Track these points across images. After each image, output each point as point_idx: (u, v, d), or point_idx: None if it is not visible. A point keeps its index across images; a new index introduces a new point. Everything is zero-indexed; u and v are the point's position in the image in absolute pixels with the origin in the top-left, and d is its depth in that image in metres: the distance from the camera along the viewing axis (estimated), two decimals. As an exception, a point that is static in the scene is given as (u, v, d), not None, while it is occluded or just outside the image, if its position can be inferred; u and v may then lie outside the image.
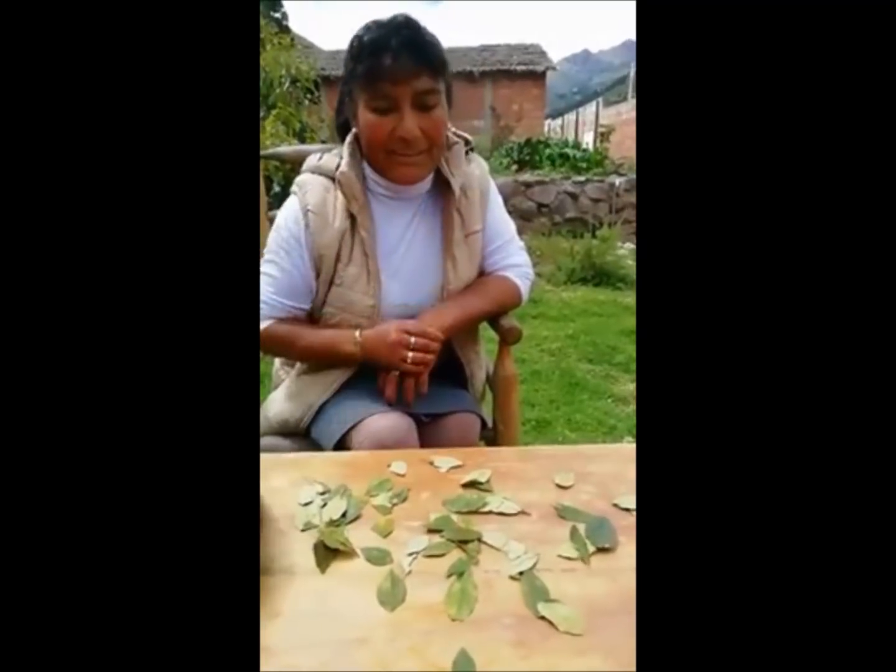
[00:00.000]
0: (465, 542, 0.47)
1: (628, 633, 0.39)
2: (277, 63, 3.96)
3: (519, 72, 10.81)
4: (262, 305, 0.78)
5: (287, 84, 3.99)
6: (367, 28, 0.71)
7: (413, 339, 0.73)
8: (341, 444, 0.73)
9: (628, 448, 0.67)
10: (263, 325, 0.78)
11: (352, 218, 0.76)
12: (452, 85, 0.75)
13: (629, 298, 3.25)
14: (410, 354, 0.73)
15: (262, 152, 1.09)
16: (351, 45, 0.72)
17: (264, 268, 0.78)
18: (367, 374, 0.79)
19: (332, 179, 0.77)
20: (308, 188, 0.77)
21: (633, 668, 0.36)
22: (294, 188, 0.80)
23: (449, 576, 0.44)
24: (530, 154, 6.14)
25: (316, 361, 0.81)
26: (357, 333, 0.75)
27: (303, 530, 0.49)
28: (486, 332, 0.92)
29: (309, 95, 4.36)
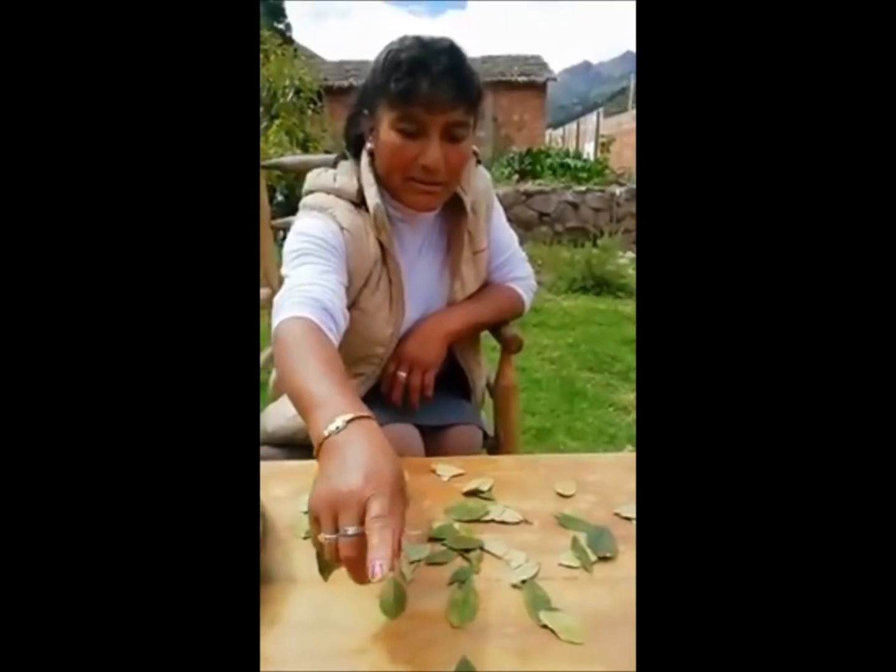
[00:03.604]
0: (467, 550, 0.47)
1: (629, 643, 0.39)
2: (281, 74, 4.01)
3: (520, 83, 10.91)
4: (319, 288, 0.63)
5: (290, 94, 4.03)
6: (407, 45, 0.66)
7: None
8: None
9: (629, 457, 0.67)
10: (306, 313, 0.59)
11: (381, 246, 0.74)
12: (481, 116, 0.72)
13: (629, 307, 3.25)
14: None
15: (266, 162, 1.10)
16: (384, 58, 0.67)
17: (306, 260, 0.67)
18: (373, 389, 0.78)
19: (354, 204, 0.74)
20: (335, 209, 0.73)
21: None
22: (312, 209, 0.74)
23: (450, 584, 0.44)
24: (531, 164, 6.18)
25: (292, 398, 0.51)
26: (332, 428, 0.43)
27: (304, 538, 0.49)
28: (487, 340, 0.92)
29: (312, 106, 4.40)
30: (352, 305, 0.74)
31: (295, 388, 0.50)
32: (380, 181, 0.74)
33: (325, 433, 0.43)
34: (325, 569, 0.45)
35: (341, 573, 0.45)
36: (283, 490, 0.57)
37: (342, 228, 0.71)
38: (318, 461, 0.43)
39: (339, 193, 0.74)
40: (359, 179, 0.74)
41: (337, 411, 0.44)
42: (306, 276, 0.65)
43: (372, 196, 0.72)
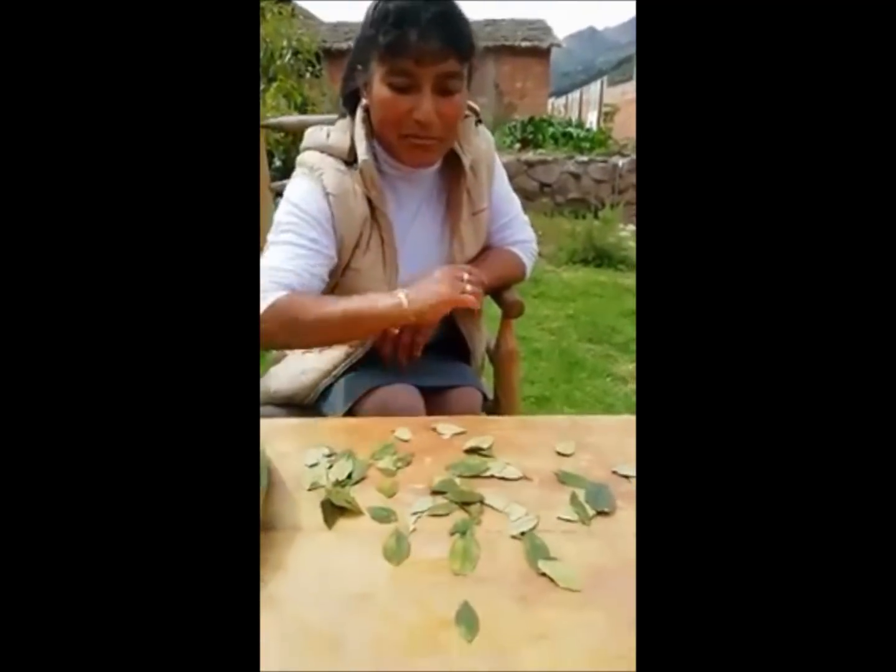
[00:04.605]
0: (468, 503, 0.48)
1: (625, 591, 0.40)
2: (278, 34, 3.88)
3: (523, 48, 10.62)
4: (290, 275, 0.68)
5: (288, 56, 3.92)
6: None
7: (467, 276, 0.70)
8: (348, 416, 0.74)
9: (627, 420, 0.68)
10: (284, 294, 0.67)
11: (370, 204, 0.73)
12: (475, 67, 0.71)
13: (629, 280, 3.25)
14: (469, 287, 0.68)
15: (265, 122, 1.08)
16: (373, 10, 0.66)
17: (286, 238, 0.71)
18: (371, 352, 0.79)
19: (345, 162, 0.73)
20: (324, 170, 0.72)
21: (631, 624, 0.37)
22: (304, 168, 0.74)
23: (452, 534, 0.45)
24: (533, 133, 6.07)
25: (349, 327, 0.68)
26: (403, 297, 0.66)
27: (309, 490, 0.50)
28: (489, 308, 0.92)
29: (310, 68, 4.29)
30: (346, 267, 0.75)
31: (335, 322, 0.66)
32: (375, 138, 0.73)
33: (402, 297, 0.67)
34: (330, 518, 0.46)
35: (344, 522, 0.47)
36: (288, 446, 0.57)
37: (327, 194, 0.71)
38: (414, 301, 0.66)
39: (331, 151, 0.74)
40: (352, 136, 0.73)
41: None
42: (279, 259, 0.69)
43: (362, 152, 0.71)
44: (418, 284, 0.69)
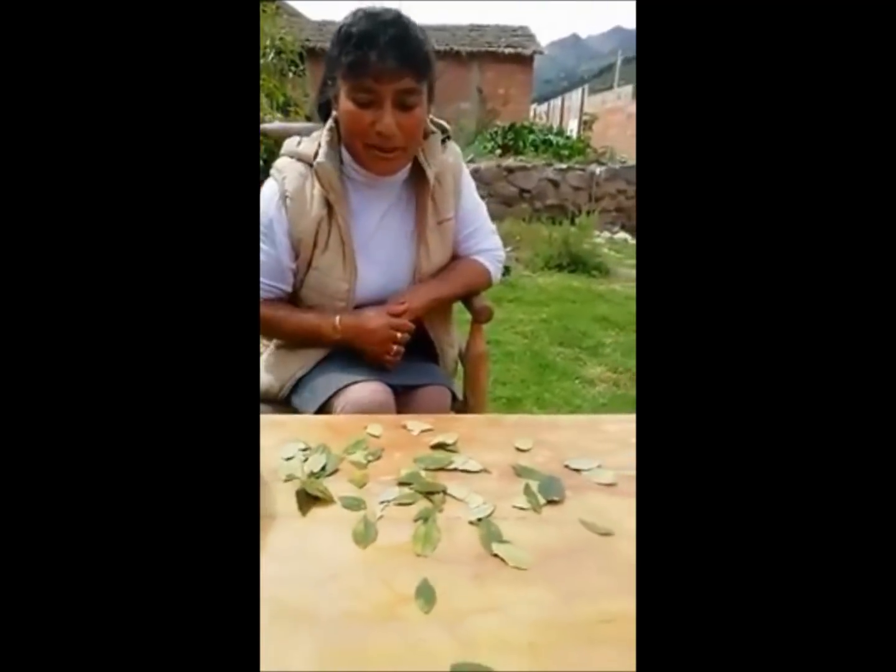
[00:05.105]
0: (432, 493, 0.53)
1: (570, 570, 0.45)
2: (261, 32, 3.86)
3: (507, 55, 10.71)
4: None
5: (271, 55, 3.90)
6: (357, 17, 0.72)
7: (400, 335, 0.80)
8: (322, 412, 0.78)
9: (584, 419, 0.73)
10: None
11: (329, 205, 0.79)
12: (436, 81, 0.77)
13: (602, 286, 3.34)
14: (395, 348, 0.80)
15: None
16: (338, 32, 0.73)
17: None
18: (344, 346, 0.83)
19: (310, 166, 0.80)
20: (286, 174, 0.80)
21: (570, 598, 0.42)
22: (273, 171, 0.82)
23: (416, 520, 0.50)
24: (514, 139, 6.15)
25: (296, 342, 0.85)
26: (337, 320, 0.80)
27: (285, 481, 0.54)
28: (463, 314, 0.97)
29: (293, 68, 4.27)
30: (308, 266, 0.82)
31: (285, 333, 0.85)
32: (344, 146, 0.80)
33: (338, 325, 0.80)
34: (304, 506, 0.50)
35: (317, 510, 0.51)
36: (266, 441, 0.61)
37: (286, 197, 0.79)
38: (348, 336, 0.81)
39: (299, 156, 0.81)
40: (320, 143, 0.80)
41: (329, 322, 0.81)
42: None
43: (321, 156, 0.78)
44: (355, 325, 0.81)
